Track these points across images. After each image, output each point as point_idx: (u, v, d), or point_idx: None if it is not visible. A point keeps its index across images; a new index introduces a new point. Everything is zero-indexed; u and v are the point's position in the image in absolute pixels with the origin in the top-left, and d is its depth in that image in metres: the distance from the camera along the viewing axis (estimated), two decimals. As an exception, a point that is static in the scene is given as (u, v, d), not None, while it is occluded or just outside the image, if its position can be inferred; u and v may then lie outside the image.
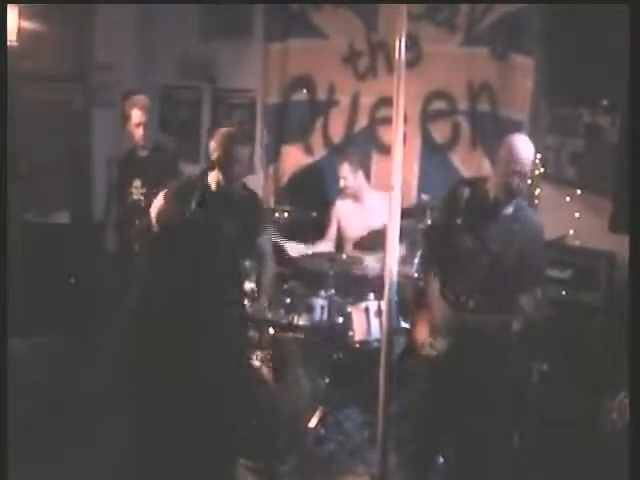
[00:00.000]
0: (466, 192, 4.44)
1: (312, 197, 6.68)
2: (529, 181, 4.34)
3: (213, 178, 4.59)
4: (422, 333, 4.57)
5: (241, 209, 4.57)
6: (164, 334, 4.46)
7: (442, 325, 4.44)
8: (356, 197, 6.03)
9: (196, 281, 4.51)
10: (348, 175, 5.93)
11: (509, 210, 4.34)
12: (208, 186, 4.57)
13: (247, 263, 5.65)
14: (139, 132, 5.68)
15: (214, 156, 4.53)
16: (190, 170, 5.95)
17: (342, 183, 5.98)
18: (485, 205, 4.38)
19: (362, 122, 6.71)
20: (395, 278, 4.51)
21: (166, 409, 4.39)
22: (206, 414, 4.52)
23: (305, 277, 5.83)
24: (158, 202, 4.60)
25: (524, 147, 4.27)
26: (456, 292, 4.44)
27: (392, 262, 4.49)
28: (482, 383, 4.34)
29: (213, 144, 4.55)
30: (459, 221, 4.40)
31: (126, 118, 5.78)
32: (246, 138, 4.70)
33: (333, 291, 5.37)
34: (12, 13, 5.42)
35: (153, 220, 4.63)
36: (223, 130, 4.61)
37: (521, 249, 4.28)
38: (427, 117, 6.48)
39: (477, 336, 4.29)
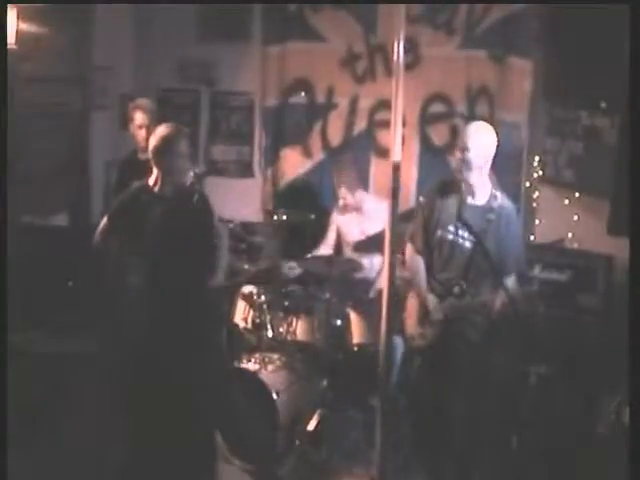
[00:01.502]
0: (441, 189, 4.64)
1: (311, 200, 6.68)
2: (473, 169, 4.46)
3: (154, 181, 4.56)
4: (410, 326, 4.66)
5: (189, 209, 4.49)
6: (159, 337, 4.46)
7: (430, 314, 4.56)
8: (357, 210, 6.00)
9: (176, 286, 4.50)
10: (347, 196, 5.90)
11: (482, 201, 4.53)
12: (151, 191, 4.55)
13: (246, 266, 5.66)
14: (141, 134, 5.67)
15: (152, 157, 4.49)
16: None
17: (341, 202, 5.96)
18: (458, 198, 4.54)
19: (361, 125, 6.72)
20: (394, 280, 4.55)
21: (162, 411, 4.38)
22: (204, 417, 4.52)
23: (304, 280, 5.84)
24: (102, 222, 4.60)
25: (470, 133, 4.49)
26: (441, 281, 4.58)
27: (391, 265, 4.51)
28: (471, 367, 4.46)
29: (151, 143, 4.49)
30: (438, 215, 4.57)
31: (129, 121, 5.77)
32: (182, 133, 4.66)
33: (332, 294, 5.37)
34: (11, 15, 5.42)
35: (97, 238, 4.62)
36: (158, 128, 4.57)
37: (498, 236, 4.44)
38: (426, 120, 6.49)
39: (463, 319, 4.48)
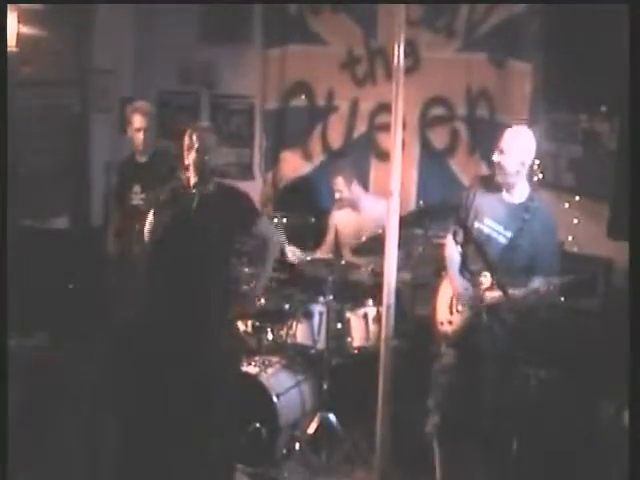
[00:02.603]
0: (482, 184, 4.83)
1: (311, 203, 6.68)
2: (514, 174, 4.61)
3: (189, 175, 4.59)
4: (441, 311, 4.83)
5: (222, 204, 4.55)
6: (161, 339, 4.46)
7: (460, 301, 4.71)
8: (353, 206, 6.04)
9: (188, 285, 4.51)
10: (343, 188, 5.95)
11: (520, 200, 4.67)
12: (187, 186, 4.57)
13: (246, 269, 5.66)
14: (139, 137, 5.66)
15: (187, 153, 4.54)
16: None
17: (337, 195, 6.01)
18: (496, 193, 4.72)
19: (361, 128, 6.71)
20: (393, 284, 4.55)
21: (163, 415, 4.38)
22: (204, 420, 4.52)
23: (304, 283, 5.84)
24: (149, 217, 4.62)
25: (506, 138, 4.61)
26: (472, 272, 4.71)
27: (391, 268, 4.52)
28: (491, 361, 4.59)
29: (186, 139, 4.55)
30: (477, 209, 4.74)
31: (127, 123, 5.77)
32: (212, 130, 4.73)
33: (332, 297, 5.37)
34: (11, 17, 5.42)
35: (146, 236, 4.64)
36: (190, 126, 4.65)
37: (532, 235, 4.57)
38: (426, 123, 6.48)
39: (494, 313, 4.58)
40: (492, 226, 4.66)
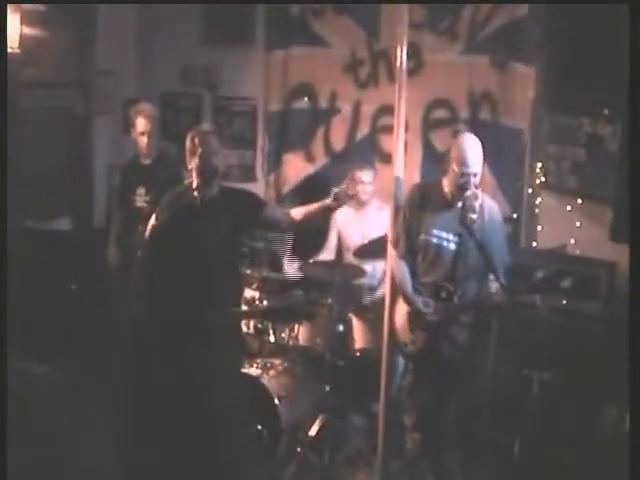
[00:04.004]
0: (421, 194, 4.60)
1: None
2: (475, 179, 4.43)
3: (194, 180, 4.57)
4: (402, 333, 4.66)
5: (226, 206, 4.52)
6: (162, 340, 4.46)
7: (419, 318, 4.52)
8: (358, 207, 5.99)
9: (193, 287, 4.51)
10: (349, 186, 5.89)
11: (463, 201, 4.45)
12: (191, 190, 4.57)
13: (248, 271, 5.66)
14: (143, 140, 5.65)
15: (189, 157, 4.51)
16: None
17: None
18: (442, 202, 4.51)
19: (363, 130, 6.72)
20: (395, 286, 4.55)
21: (164, 416, 4.38)
22: (205, 422, 4.52)
23: (306, 285, 5.84)
24: (152, 220, 4.61)
25: (469, 147, 4.40)
26: (426, 285, 4.55)
27: (393, 270, 4.52)
28: (464, 368, 4.55)
29: (188, 143, 4.51)
30: (420, 219, 4.54)
31: (130, 126, 5.77)
32: (215, 132, 4.71)
33: (334, 299, 5.37)
34: (14, 19, 5.42)
35: (147, 234, 4.63)
36: (191, 129, 4.61)
37: (481, 234, 4.38)
38: (428, 125, 6.49)
39: (452, 321, 4.49)
40: (440, 235, 4.49)
